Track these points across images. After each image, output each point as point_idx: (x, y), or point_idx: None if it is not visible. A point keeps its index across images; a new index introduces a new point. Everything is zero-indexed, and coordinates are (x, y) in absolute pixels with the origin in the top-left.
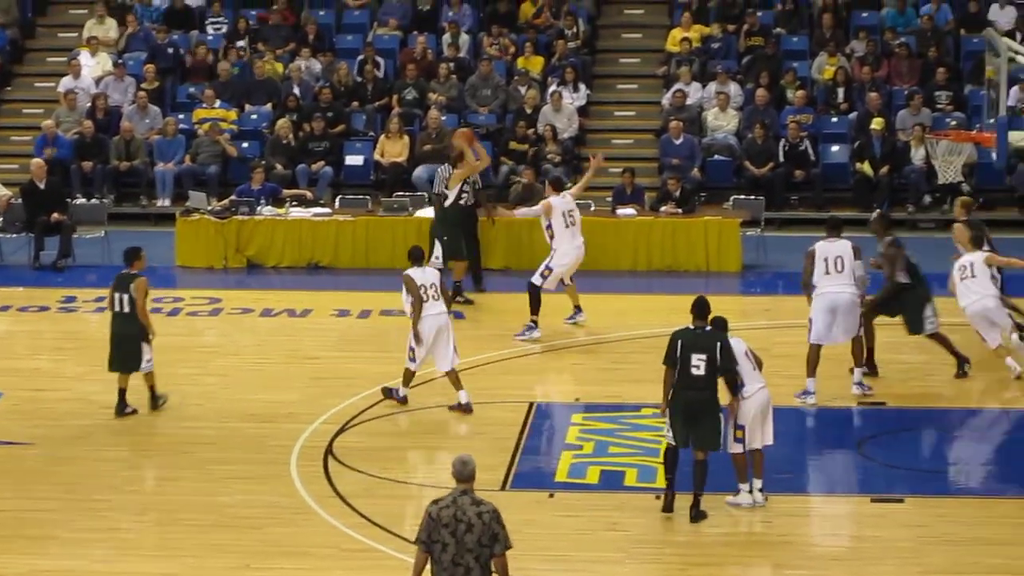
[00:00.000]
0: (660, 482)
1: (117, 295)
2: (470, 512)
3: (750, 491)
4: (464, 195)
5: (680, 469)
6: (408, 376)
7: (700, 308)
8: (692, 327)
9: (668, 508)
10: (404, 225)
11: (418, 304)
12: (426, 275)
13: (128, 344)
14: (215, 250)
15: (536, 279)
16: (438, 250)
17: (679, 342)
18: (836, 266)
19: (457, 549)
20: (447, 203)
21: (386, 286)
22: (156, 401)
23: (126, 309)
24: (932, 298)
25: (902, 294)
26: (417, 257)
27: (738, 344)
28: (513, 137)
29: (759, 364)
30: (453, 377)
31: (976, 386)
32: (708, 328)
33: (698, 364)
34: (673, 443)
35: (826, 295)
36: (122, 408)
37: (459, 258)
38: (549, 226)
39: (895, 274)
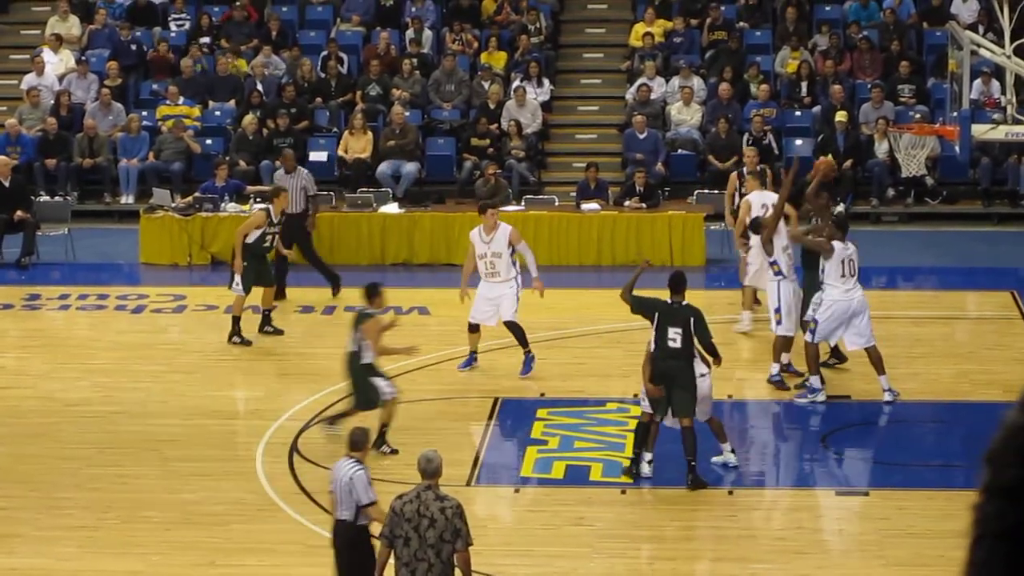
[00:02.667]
0: (626, 476)
1: (352, 333)
2: (433, 507)
3: (732, 451)
4: (268, 239)
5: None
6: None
7: (676, 282)
8: (669, 301)
9: (633, 475)
10: (368, 221)
11: None
12: None
13: (359, 383)
14: (179, 247)
15: (515, 317)
16: (237, 276)
17: (656, 313)
18: (850, 269)
19: (419, 544)
20: (250, 240)
21: (350, 281)
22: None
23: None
24: None
25: None
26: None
27: None
28: (474, 133)
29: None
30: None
31: (940, 379)
32: (685, 303)
33: (674, 337)
34: (650, 412)
35: (841, 301)
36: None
37: (265, 284)
38: (513, 251)
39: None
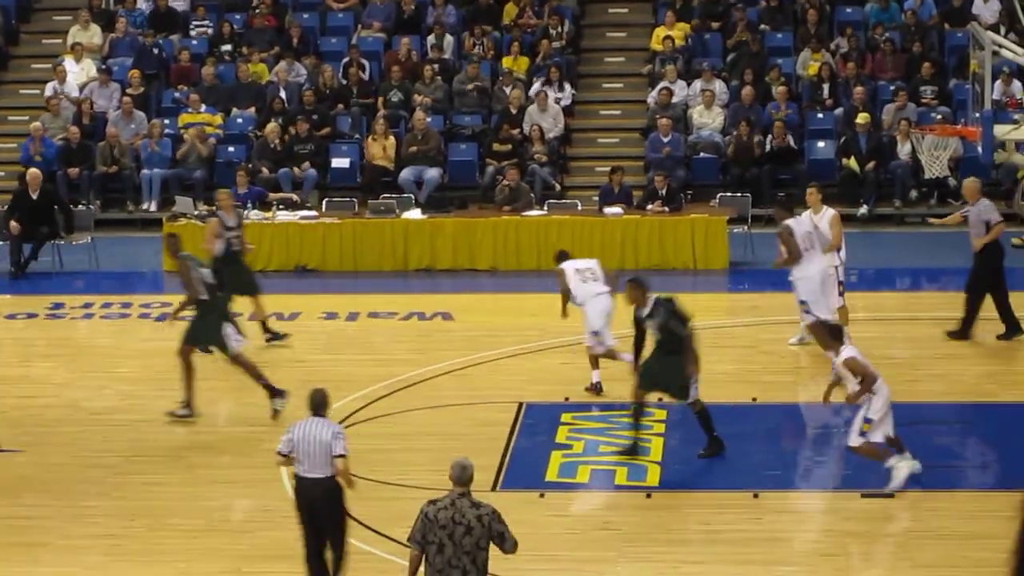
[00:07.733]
0: (651, 480)
1: None
2: (469, 515)
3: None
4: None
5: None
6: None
7: None
8: None
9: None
10: (391, 227)
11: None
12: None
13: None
14: (202, 254)
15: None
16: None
17: None
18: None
19: (454, 551)
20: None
21: (373, 288)
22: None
23: None
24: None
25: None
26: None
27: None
28: (496, 138)
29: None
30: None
31: (965, 380)
32: None
33: None
34: None
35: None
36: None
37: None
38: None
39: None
